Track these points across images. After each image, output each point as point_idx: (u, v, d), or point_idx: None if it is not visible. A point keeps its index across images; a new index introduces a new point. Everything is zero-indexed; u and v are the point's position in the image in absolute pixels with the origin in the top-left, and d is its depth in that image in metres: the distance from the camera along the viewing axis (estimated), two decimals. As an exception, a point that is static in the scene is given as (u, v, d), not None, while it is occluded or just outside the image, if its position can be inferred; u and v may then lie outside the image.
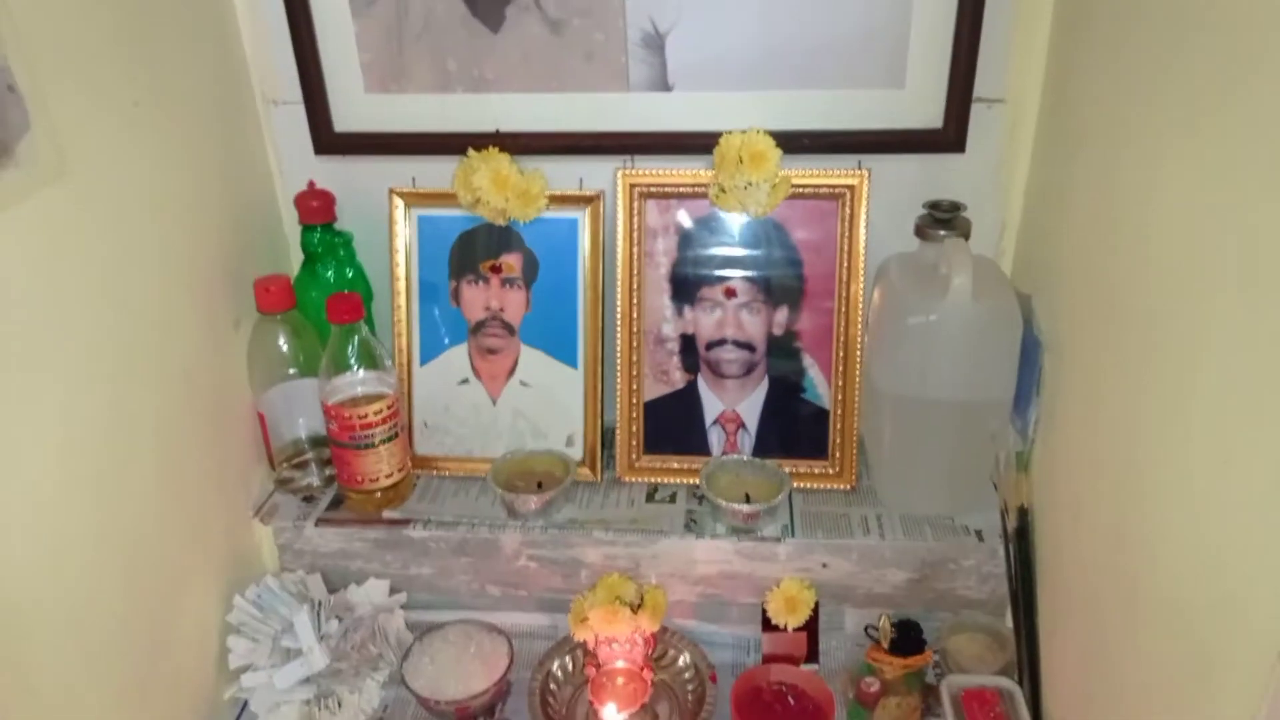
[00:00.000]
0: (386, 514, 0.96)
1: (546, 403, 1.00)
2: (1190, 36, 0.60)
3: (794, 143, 0.91)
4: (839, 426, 0.97)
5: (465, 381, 1.01)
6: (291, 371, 0.95)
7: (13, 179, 0.62)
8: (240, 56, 0.93)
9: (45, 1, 0.66)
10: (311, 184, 0.96)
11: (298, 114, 0.95)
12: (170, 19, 0.82)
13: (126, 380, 0.76)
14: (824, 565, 0.93)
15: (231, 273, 0.92)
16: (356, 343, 0.91)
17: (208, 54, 0.88)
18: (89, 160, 0.70)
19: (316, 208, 0.95)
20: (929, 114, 0.90)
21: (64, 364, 0.68)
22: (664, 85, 0.91)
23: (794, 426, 0.99)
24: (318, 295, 0.97)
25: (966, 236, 0.90)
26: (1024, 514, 0.86)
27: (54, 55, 0.66)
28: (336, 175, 0.98)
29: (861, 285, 0.94)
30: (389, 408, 0.92)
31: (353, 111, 0.95)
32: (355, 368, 0.92)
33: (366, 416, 0.90)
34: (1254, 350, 0.52)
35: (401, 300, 1.00)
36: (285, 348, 0.94)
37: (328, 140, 0.96)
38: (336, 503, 0.98)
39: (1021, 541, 0.86)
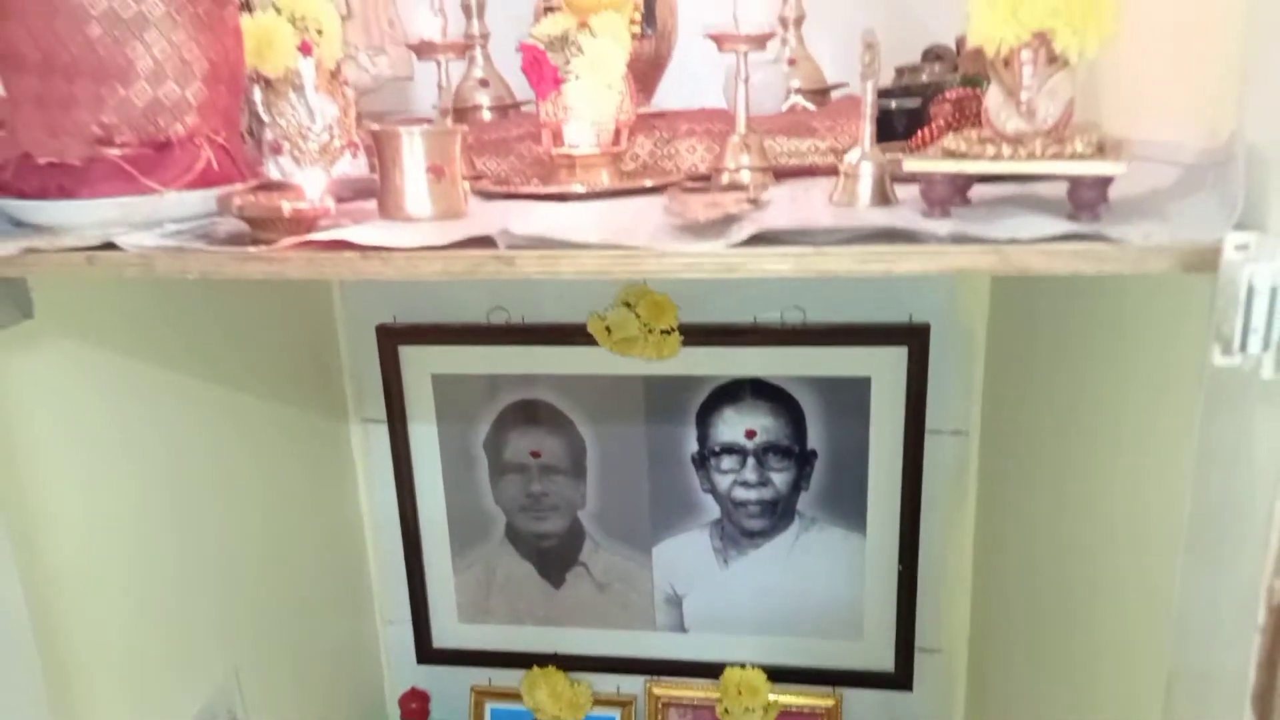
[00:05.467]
0: None
1: None
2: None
3: (781, 675, 1.19)
4: None
5: None
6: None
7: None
8: (369, 595, 1.26)
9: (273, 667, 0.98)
10: (414, 689, 1.26)
11: (406, 632, 1.27)
12: (336, 606, 1.15)
13: None
14: None
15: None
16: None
17: (352, 617, 1.22)
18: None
19: (416, 709, 1.24)
20: (882, 659, 1.18)
21: None
22: (681, 628, 1.21)
23: None
24: (409, 777, 1.24)
25: (920, 757, 1.15)
26: None
27: None
28: (431, 676, 1.27)
29: (840, 782, 1.18)
30: None
31: (448, 634, 1.26)
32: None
33: None
34: None
35: (474, 778, 1.26)
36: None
37: (427, 654, 1.26)
38: None
39: None
